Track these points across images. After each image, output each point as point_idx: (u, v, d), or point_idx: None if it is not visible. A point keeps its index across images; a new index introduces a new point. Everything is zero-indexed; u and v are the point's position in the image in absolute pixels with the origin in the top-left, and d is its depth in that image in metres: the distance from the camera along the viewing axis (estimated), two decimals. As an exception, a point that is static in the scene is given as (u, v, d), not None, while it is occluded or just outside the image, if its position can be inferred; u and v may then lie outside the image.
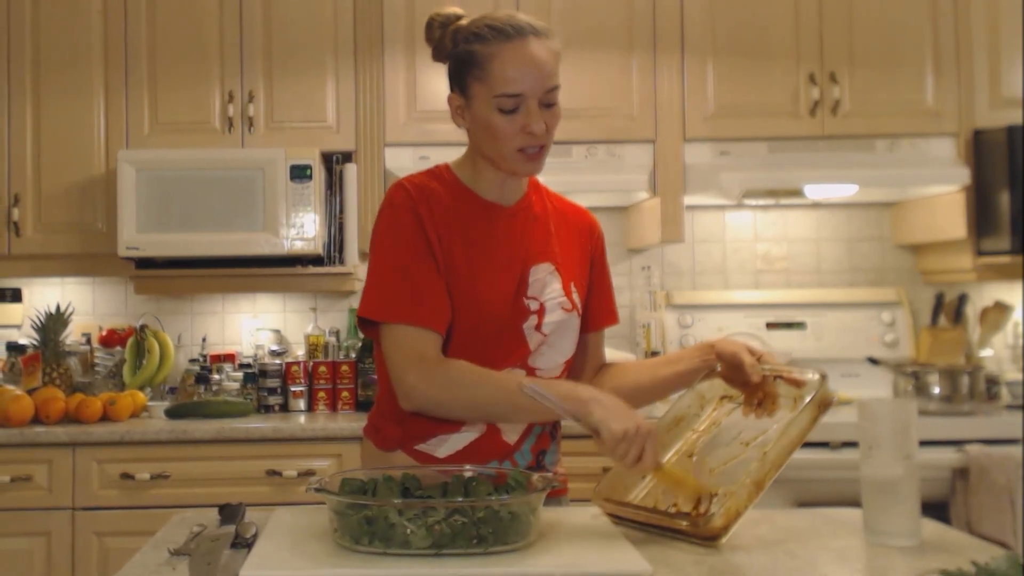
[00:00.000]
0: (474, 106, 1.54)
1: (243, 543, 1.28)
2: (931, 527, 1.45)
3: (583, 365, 1.73)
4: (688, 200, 3.17)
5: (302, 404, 3.12)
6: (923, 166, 3.08)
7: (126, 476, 2.73)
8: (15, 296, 3.38)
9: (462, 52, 1.54)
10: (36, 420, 2.82)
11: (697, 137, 3.10)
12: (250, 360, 3.25)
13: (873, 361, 3.25)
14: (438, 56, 1.61)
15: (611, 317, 1.75)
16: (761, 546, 1.34)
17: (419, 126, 3.06)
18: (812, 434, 1.42)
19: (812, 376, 1.47)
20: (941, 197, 3.18)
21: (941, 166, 3.08)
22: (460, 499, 1.25)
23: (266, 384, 3.10)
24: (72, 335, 3.22)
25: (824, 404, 1.43)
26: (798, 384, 1.48)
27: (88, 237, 3.08)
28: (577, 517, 1.45)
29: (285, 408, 3.12)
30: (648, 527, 1.40)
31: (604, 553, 1.24)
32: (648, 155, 3.10)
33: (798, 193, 3.14)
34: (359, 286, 3.07)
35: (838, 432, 2.56)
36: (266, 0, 3.11)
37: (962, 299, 3.28)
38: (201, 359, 3.25)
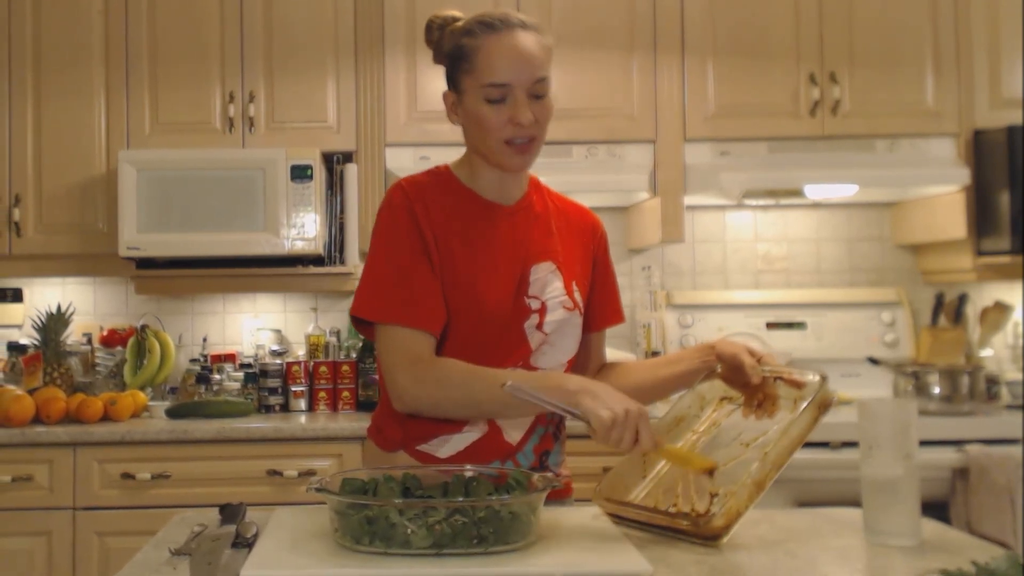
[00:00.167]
0: (465, 100, 1.56)
1: (244, 543, 1.28)
2: (931, 527, 1.45)
3: (585, 365, 1.73)
4: (688, 200, 3.17)
5: (303, 404, 3.12)
6: (923, 166, 3.08)
7: (127, 476, 2.73)
8: (16, 296, 3.39)
9: (454, 48, 1.56)
10: (37, 420, 2.82)
11: (697, 137, 3.10)
12: (251, 360, 3.25)
13: (873, 361, 3.25)
14: (438, 58, 1.62)
15: (616, 316, 1.75)
16: (761, 546, 1.34)
17: (420, 126, 3.06)
18: (812, 434, 1.42)
19: (812, 377, 1.47)
20: (941, 197, 3.18)
21: (941, 166, 3.08)
22: (461, 499, 1.25)
23: (267, 384, 3.10)
24: (73, 335, 3.22)
25: (824, 405, 1.43)
26: (798, 385, 1.49)
27: (89, 237, 3.08)
28: (578, 517, 1.45)
29: (286, 408, 3.12)
30: (649, 527, 1.40)
31: (605, 553, 1.24)
32: (648, 155, 3.10)
33: (798, 193, 3.14)
34: (360, 286, 3.07)
35: (838, 432, 2.56)
36: (267, 0, 3.11)
37: (962, 299, 3.28)
38: (202, 359, 3.26)
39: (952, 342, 3.22)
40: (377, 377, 1.71)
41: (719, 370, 1.59)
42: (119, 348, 3.25)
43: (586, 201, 1.95)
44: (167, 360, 3.22)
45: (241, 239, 2.96)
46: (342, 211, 3.10)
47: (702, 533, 1.32)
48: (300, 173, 2.96)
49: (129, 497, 2.74)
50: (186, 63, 3.10)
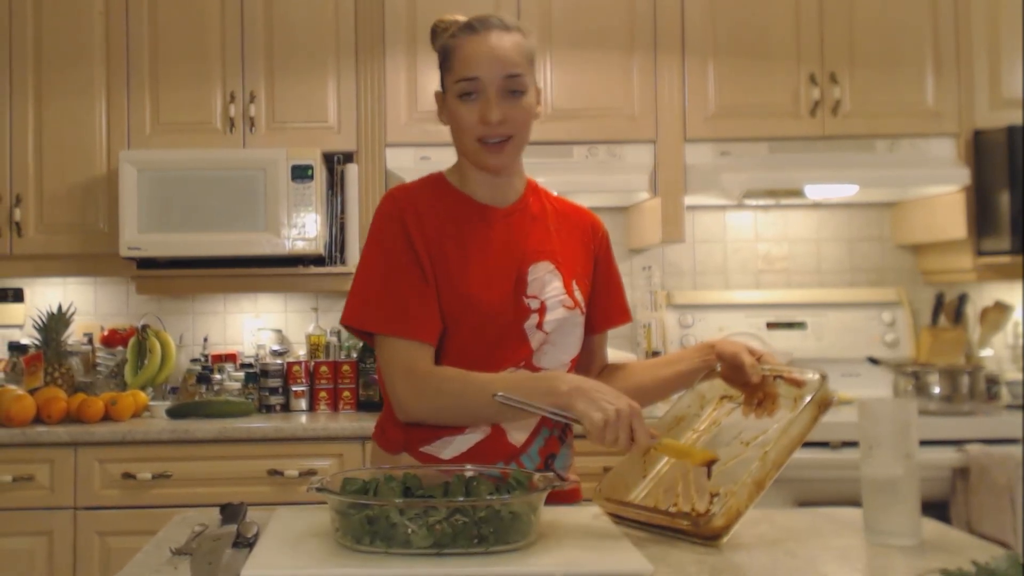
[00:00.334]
0: (447, 99, 1.60)
1: (244, 543, 1.28)
2: (931, 527, 1.45)
3: (588, 366, 1.73)
4: (689, 200, 3.17)
5: (303, 404, 3.12)
6: (923, 166, 3.08)
7: (128, 476, 2.74)
8: (17, 296, 3.39)
9: (440, 50, 1.60)
10: (38, 420, 2.82)
11: (698, 137, 3.11)
12: (251, 360, 3.25)
13: (873, 361, 3.25)
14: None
15: (623, 315, 1.75)
16: (762, 545, 1.34)
17: (420, 126, 3.07)
18: (812, 434, 1.42)
19: (812, 376, 1.47)
20: (941, 197, 3.18)
21: (941, 166, 3.08)
22: (461, 499, 1.26)
23: (267, 384, 3.10)
24: (74, 335, 3.22)
25: (824, 404, 1.43)
26: (798, 384, 1.49)
27: (90, 237, 3.08)
28: (578, 517, 1.45)
29: (286, 408, 3.13)
30: (649, 527, 1.40)
31: (605, 552, 1.24)
32: (649, 155, 3.10)
33: (798, 193, 3.14)
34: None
35: (838, 432, 2.57)
36: (267, 0, 3.11)
37: (962, 299, 3.29)
38: (203, 359, 3.26)
39: (952, 342, 3.22)
40: (378, 377, 1.72)
41: (719, 369, 1.59)
42: (120, 348, 3.25)
43: (586, 201, 1.96)
44: (168, 360, 3.22)
45: (242, 239, 2.96)
46: (343, 211, 3.10)
47: (702, 533, 1.32)
48: (301, 173, 2.97)
49: (130, 497, 2.74)
50: (187, 63, 3.10)
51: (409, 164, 3.05)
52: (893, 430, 1.34)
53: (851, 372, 3.18)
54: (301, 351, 3.34)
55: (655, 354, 3.24)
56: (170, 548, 1.33)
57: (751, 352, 1.54)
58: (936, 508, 2.45)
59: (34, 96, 3.09)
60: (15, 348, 3.19)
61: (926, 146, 3.11)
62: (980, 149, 3.08)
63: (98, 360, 3.24)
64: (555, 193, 1.76)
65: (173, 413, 2.94)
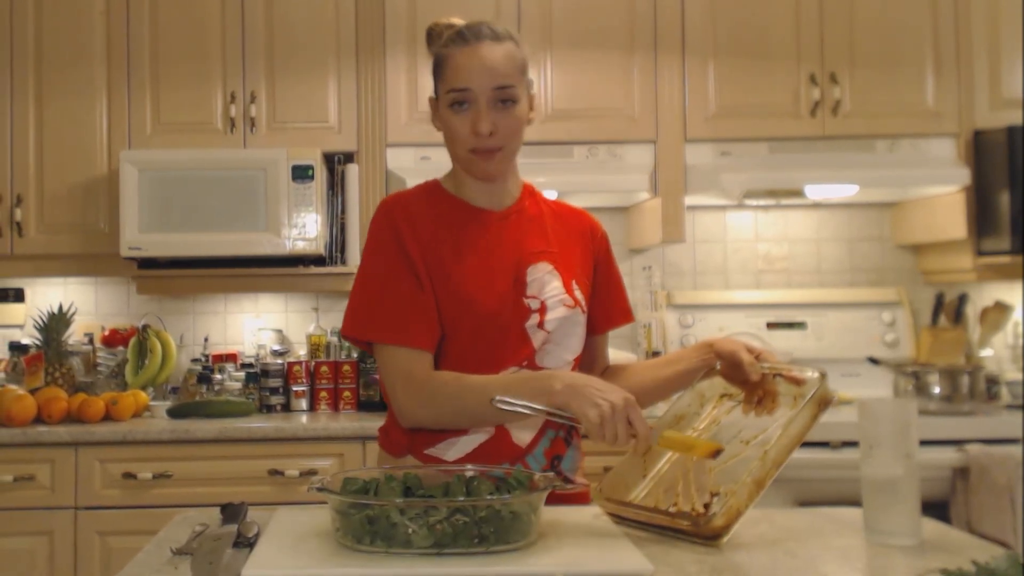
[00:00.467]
0: (439, 108, 1.61)
1: (245, 542, 1.28)
2: (931, 526, 1.45)
3: (591, 367, 1.73)
4: (689, 200, 3.17)
5: (304, 404, 3.13)
6: (923, 166, 3.08)
7: (128, 476, 2.74)
8: (18, 296, 3.39)
9: (434, 58, 1.62)
10: (39, 420, 2.83)
11: (698, 137, 3.11)
12: (252, 360, 3.26)
13: (873, 361, 3.25)
14: None
15: (625, 315, 1.76)
16: (762, 545, 1.35)
17: (421, 126, 3.07)
18: (812, 433, 1.42)
19: (812, 374, 1.47)
20: (941, 197, 3.18)
21: (941, 166, 3.08)
22: (462, 498, 1.26)
23: (268, 384, 3.10)
24: (75, 335, 3.23)
25: (824, 402, 1.43)
26: (798, 382, 1.49)
27: (90, 237, 3.09)
28: (578, 516, 1.45)
29: (287, 408, 3.13)
30: (649, 527, 1.40)
31: (605, 552, 1.25)
32: (649, 155, 3.10)
33: (799, 193, 3.14)
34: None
35: (838, 432, 2.57)
36: (268, 1, 3.12)
37: (962, 299, 3.29)
38: (203, 359, 3.26)
39: (952, 342, 3.22)
40: (379, 378, 1.73)
41: (719, 367, 1.59)
42: (121, 348, 3.25)
43: (587, 201, 1.96)
44: (168, 360, 3.22)
45: (242, 239, 2.97)
46: (343, 211, 3.11)
47: (702, 532, 1.33)
48: (301, 173, 2.97)
49: (131, 497, 2.74)
50: (188, 63, 3.10)
51: (410, 164, 3.06)
52: (893, 430, 1.35)
53: (851, 372, 3.18)
54: (302, 351, 3.34)
55: (655, 354, 3.24)
56: (171, 548, 1.33)
57: (750, 350, 1.55)
58: (936, 508, 2.45)
59: (35, 96, 3.09)
60: (16, 348, 3.19)
61: (926, 146, 3.12)
62: (980, 149, 3.08)
63: (99, 360, 3.24)
64: (556, 193, 1.77)
65: (174, 413, 2.94)
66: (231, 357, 3.29)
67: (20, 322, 3.38)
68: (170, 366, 3.22)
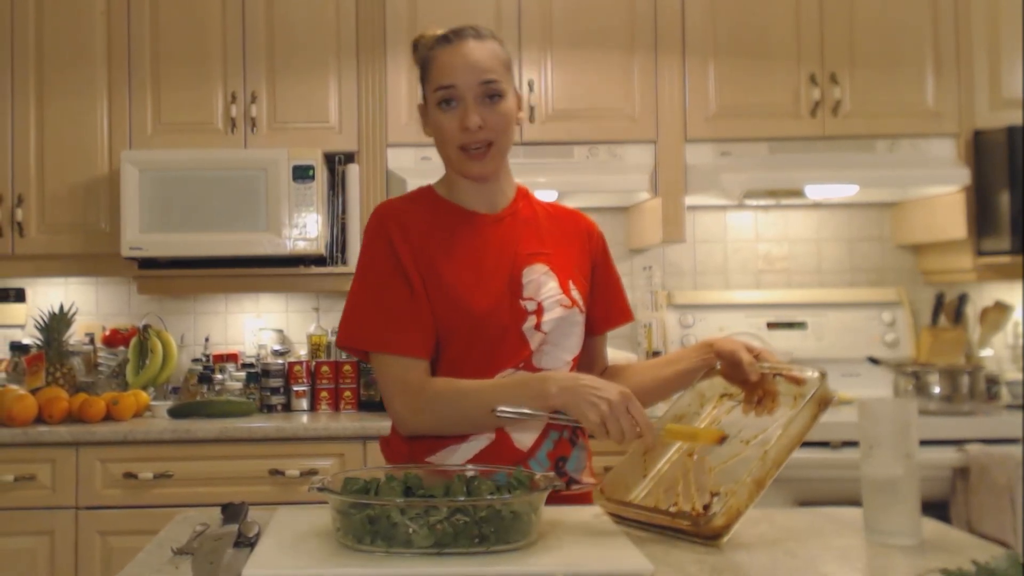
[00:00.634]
0: (428, 111, 1.62)
1: (246, 542, 1.28)
2: (931, 526, 1.45)
3: (590, 367, 1.73)
4: (689, 200, 3.17)
5: (304, 404, 3.13)
6: (923, 166, 3.08)
7: (129, 475, 2.74)
8: (19, 296, 3.39)
9: (420, 63, 1.63)
10: (40, 420, 2.83)
11: (698, 138, 3.11)
12: (253, 360, 3.26)
13: (873, 361, 3.25)
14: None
15: (624, 315, 1.76)
16: (762, 545, 1.35)
17: (421, 127, 3.06)
18: (812, 433, 1.42)
19: (811, 374, 1.48)
20: (941, 197, 3.18)
21: (941, 166, 3.09)
22: (462, 498, 1.26)
23: (269, 384, 3.11)
24: (75, 335, 3.23)
25: (824, 402, 1.43)
26: (798, 382, 1.49)
27: (91, 237, 3.09)
28: (579, 516, 1.45)
29: (288, 408, 3.13)
30: (649, 526, 1.40)
31: (606, 552, 1.25)
32: (649, 155, 3.11)
33: (799, 193, 3.15)
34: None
35: (838, 432, 2.57)
36: (269, 1, 3.12)
37: (962, 299, 3.29)
38: (204, 359, 3.26)
39: (952, 342, 3.22)
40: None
41: (719, 367, 1.59)
42: (121, 348, 3.26)
43: (587, 201, 1.96)
44: (169, 360, 3.22)
45: (243, 239, 2.97)
46: (344, 211, 3.11)
47: (703, 532, 1.33)
48: (302, 173, 2.97)
49: (131, 496, 2.75)
50: (188, 63, 3.10)
51: (410, 164, 3.06)
52: (893, 430, 1.35)
53: (851, 372, 3.19)
54: (302, 351, 3.34)
55: (655, 354, 3.24)
56: (171, 548, 1.33)
57: (750, 350, 1.55)
58: (936, 508, 2.45)
59: (36, 96, 3.10)
60: (17, 348, 3.19)
61: (926, 146, 3.12)
62: (980, 149, 3.08)
63: (100, 360, 3.24)
64: (556, 193, 1.77)
65: (174, 413, 2.94)
66: (232, 357, 3.30)
67: (21, 322, 3.39)
68: (171, 366, 3.22)
